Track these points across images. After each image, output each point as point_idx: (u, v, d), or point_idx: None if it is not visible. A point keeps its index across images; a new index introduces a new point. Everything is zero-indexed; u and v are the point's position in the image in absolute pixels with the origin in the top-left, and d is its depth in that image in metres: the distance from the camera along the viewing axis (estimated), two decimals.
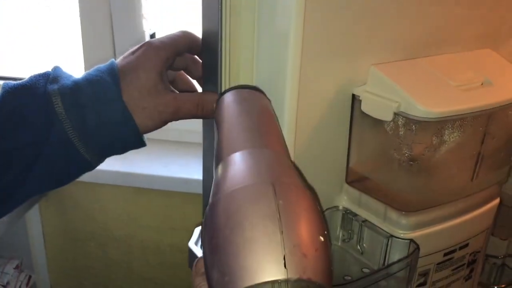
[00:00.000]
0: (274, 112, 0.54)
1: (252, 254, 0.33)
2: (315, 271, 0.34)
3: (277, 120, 0.54)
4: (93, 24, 1.11)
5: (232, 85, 0.57)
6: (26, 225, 1.25)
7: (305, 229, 0.35)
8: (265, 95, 0.56)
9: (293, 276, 0.33)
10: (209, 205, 0.39)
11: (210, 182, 0.45)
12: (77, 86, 0.49)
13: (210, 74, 0.57)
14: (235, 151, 0.43)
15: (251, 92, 0.55)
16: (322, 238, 0.36)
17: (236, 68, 0.57)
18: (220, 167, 0.43)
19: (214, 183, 0.41)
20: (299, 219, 0.36)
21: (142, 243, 1.25)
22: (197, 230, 0.68)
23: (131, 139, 0.52)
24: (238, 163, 0.42)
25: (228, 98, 0.53)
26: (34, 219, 1.25)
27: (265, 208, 0.35)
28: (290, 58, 0.53)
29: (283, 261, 0.33)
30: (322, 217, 0.38)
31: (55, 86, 0.49)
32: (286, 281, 0.33)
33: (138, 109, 0.50)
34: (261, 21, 0.56)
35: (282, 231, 0.34)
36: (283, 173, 0.41)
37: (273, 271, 0.33)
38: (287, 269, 0.33)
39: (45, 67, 0.53)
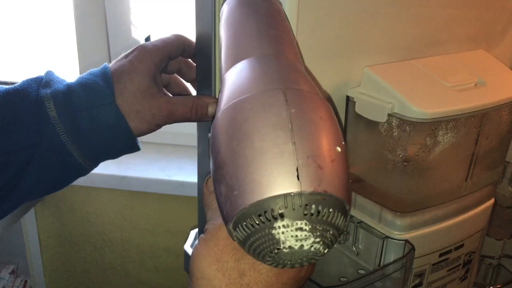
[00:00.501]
0: (286, 16, 0.49)
1: (262, 166, 0.30)
2: (332, 184, 0.30)
3: (289, 25, 0.48)
4: (87, 27, 1.11)
5: None
6: (22, 229, 1.25)
7: (320, 138, 0.32)
8: None
9: (307, 188, 0.30)
10: (215, 117, 0.35)
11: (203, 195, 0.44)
12: (70, 90, 0.49)
13: (204, 77, 0.57)
14: (242, 59, 0.39)
15: None
16: (339, 149, 0.32)
17: None
18: (226, 77, 0.39)
19: (220, 95, 0.38)
20: (313, 128, 0.32)
21: (138, 247, 1.24)
22: (193, 233, 0.68)
23: (125, 143, 0.52)
24: (245, 71, 0.38)
25: (232, 1, 0.48)
26: (29, 224, 1.24)
27: (276, 117, 0.31)
28: None
29: (296, 173, 0.30)
30: (339, 127, 0.35)
31: (48, 90, 0.49)
32: (300, 194, 0.30)
33: (131, 112, 0.50)
34: None
35: (294, 142, 0.30)
36: (295, 80, 0.36)
37: (285, 184, 0.30)
38: (300, 182, 0.30)
39: (40, 71, 0.53)
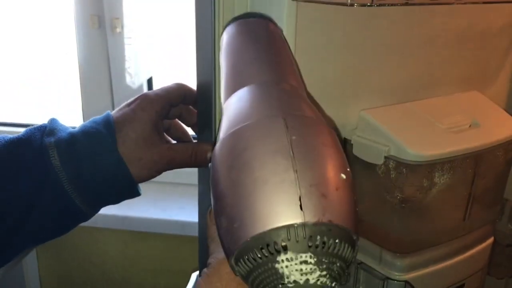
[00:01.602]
0: (286, 42, 0.48)
1: (263, 196, 0.29)
2: (337, 213, 0.29)
3: (290, 50, 0.48)
4: (91, 76, 1.14)
5: None
6: (23, 270, 1.24)
7: (323, 165, 0.30)
8: (274, 23, 0.50)
9: (311, 219, 0.28)
10: (216, 145, 0.34)
11: (206, 227, 0.45)
12: (73, 138, 0.51)
13: (205, 122, 0.58)
14: (242, 86, 0.38)
15: (257, 21, 0.49)
16: (344, 176, 0.31)
17: None
18: (225, 106, 0.39)
19: (219, 124, 0.37)
20: (316, 154, 0.31)
21: (139, 286, 1.24)
22: (194, 275, 0.68)
23: (126, 190, 0.53)
24: (244, 98, 0.37)
25: (231, 29, 0.48)
26: (31, 264, 1.24)
27: (276, 144, 0.30)
28: None
29: (299, 203, 0.28)
30: (343, 153, 0.33)
31: (52, 139, 0.50)
32: (303, 225, 0.28)
33: (133, 160, 0.51)
34: None
35: (296, 170, 0.29)
36: (296, 106, 0.35)
37: (287, 215, 0.28)
38: (303, 212, 0.28)
39: (44, 116, 0.55)
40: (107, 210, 1.09)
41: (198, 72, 0.57)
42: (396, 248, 0.60)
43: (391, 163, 0.57)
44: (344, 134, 0.61)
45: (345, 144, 0.61)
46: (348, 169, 0.32)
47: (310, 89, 0.56)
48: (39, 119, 1.24)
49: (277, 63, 0.43)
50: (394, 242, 0.60)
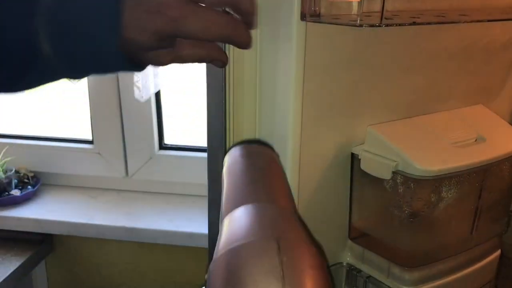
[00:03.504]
0: (282, 167, 0.55)
1: None
2: None
3: (284, 174, 0.54)
4: (100, 93, 1.15)
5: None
6: (32, 281, 1.25)
7: (309, 286, 0.34)
8: (273, 149, 0.57)
9: None
10: (212, 260, 0.38)
11: (216, 236, 0.45)
12: None
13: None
14: (240, 205, 0.43)
15: (258, 147, 0.56)
16: None
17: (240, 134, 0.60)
18: (224, 222, 0.43)
19: (218, 238, 0.41)
20: (303, 276, 0.34)
21: None
22: None
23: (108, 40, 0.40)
24: (242, 217, 0.41)
25: (235, 152, 0.53)
26: (40, 276, 1.25)
27: (268, 265, 0.34)
28: (291, 121, 0.56)
29: None
30: (327, 275, 0.37)
31: None
32: None
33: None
34: (263, 87, 0.59)
35: None
36: (288, 228, 0.40)
37: None
38: None
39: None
40: (116, 222, 1.10)
41: (208, 93, 0.58)
42: (405, 262, 0.60)
43: (399, 178, 0.57)
44: (352, 149, 0.62)
45: (352, 159, 0.62)
46: None
47: (320, 105, 0.57)
48: (48, 131, 1.25)
49: (272, 186, 0.48)
50: (403, 256, 0.61)
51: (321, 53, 0.56)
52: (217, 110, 0.60)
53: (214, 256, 0.38)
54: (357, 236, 0.65)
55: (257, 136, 0.61)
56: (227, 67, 0.56)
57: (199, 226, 1.10)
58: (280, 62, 0.56)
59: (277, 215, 0.42)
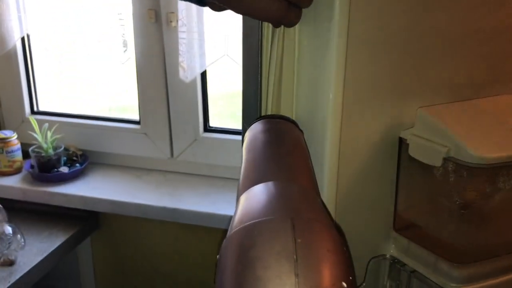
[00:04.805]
0: (306, 145, 0.51)
1: None
2: None
3: (308, 153, 0.51)
4: (148, 72, 1.15)
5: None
6: (78, 258, 1.28)
7: (325, 272, 0.31)
8: (296, 125, 0.54)
9: None
10: (226, 237, 0.36)
11: None
12: None
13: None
14: (258, 183, 0.40)
15: (281, 123, 0.52)
16: (344, 284, 0.31)
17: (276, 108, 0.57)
18: (241, 199, 0.40)
19: (233, 215, 0.39)
20: (319, 260, 0.31)
21: (189, 280, 1.24)
22: None
23: None
24: (258, 195, 0.39)
25: (256, 127, 0.51)
26: (85, 252, 1.28)
27: (281, 246, 0.31)
28: (331, 102, 0.52)
29: None
30: (348, 260, 0.34)
31: None
32: None
33: None
34: (301, 65, 0.55)
35: (297, 273, 0.30)
36: (306, 208, 0.37)
37: None
38: None
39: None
40: (159, 202, 1.11)
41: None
42: (453, 257, 0.56)
43: (451, 166, 0.53)
44: (400, 133, 0.58)
45: (400, 144, 0.58)
46: (350, 278, 0.32)
47: (364, 84, 0.53)
48: (95, 111, 1.27)
49: (293, 165, 0.45)
50: (451, 251, 0.56)
51: (366, 28, 0.51)
52: (253, 91, 0.57)
53: (228, 233, 0.36)
54: (403, 227, 0.61)
55: (294, 117, 0.57)
56: (264, 44, 0.53)
57: None
58: (320, 36, 0.52)
59: (295, 193, 0.39)
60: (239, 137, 1.15)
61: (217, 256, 0.36)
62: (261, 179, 0.41)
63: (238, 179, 1.22)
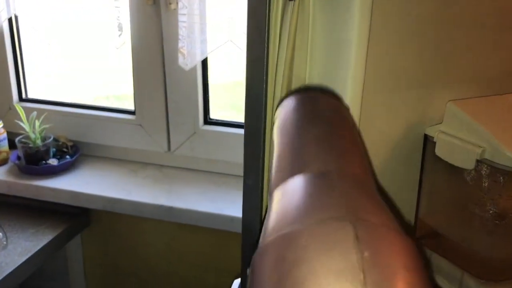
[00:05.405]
0: (355, 122, 0.42)
1: None
2: None
3: (359, 133, 0.42)
4: (144, 58, 1.09)
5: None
6: (67, 257, 1.22)
7: None
8: (340, 99, 0.43)
9: None
10: (258, 248, 0.27)
11: (250, 223, 0.36)
12: None
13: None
14: (296, 173, 0.31)
15: (320, 96, 0.42)
16: None
17: None
18: (274, 195, 0.32)
19: (266, 217, 0.30)
20: (395, 281, 0.23)
21: (184, 282, 1.19)
22: (236, 284, 0.61)
23: None
24: (298, 190, 0.30)
25: (290, 104, 0.41)
26: (74, 251, 1.22)
27: (341, 262, 0.23)
28: (349, 93, 0.45)
29: None
30: (428, 277, 0.25)
31: None
32: None
33: None
34: (314, 52, 0.48)
35: None
36: (368, 208, 0.28)
37: None
38: None
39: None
40: (155, 200, 1.04)
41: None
42: (482, 274, 0.49)
43: (485, 169, 0.46)
44: (425, 129, 0.51)
45: (425, 142, 0.51)
46: None
47: (386, 75, 0.47)
48: (89, 100, 1.20)
49: (340, 148, 0.35)
50: (480, 266, 0.50)
51: (391, 14, 0.45)
52: (258, 80, 0.50)
53: (260, 242, 0.28)
54: (425, 235, 0.54)
55: None
56: (272, 22, 0.46)
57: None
58: (339, 20, 0.45)
59: (349, 187, 0.30)
60: (242, 131, 1.09)
61: (247, 271, 0.27)
62: (300, 169, 0.32)
63: (239, 176, 1.13)
